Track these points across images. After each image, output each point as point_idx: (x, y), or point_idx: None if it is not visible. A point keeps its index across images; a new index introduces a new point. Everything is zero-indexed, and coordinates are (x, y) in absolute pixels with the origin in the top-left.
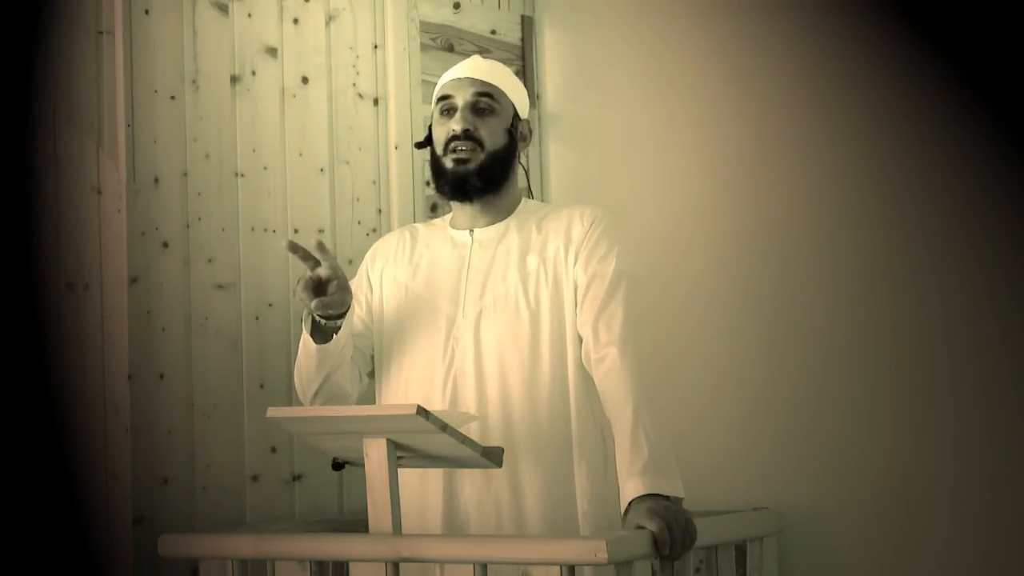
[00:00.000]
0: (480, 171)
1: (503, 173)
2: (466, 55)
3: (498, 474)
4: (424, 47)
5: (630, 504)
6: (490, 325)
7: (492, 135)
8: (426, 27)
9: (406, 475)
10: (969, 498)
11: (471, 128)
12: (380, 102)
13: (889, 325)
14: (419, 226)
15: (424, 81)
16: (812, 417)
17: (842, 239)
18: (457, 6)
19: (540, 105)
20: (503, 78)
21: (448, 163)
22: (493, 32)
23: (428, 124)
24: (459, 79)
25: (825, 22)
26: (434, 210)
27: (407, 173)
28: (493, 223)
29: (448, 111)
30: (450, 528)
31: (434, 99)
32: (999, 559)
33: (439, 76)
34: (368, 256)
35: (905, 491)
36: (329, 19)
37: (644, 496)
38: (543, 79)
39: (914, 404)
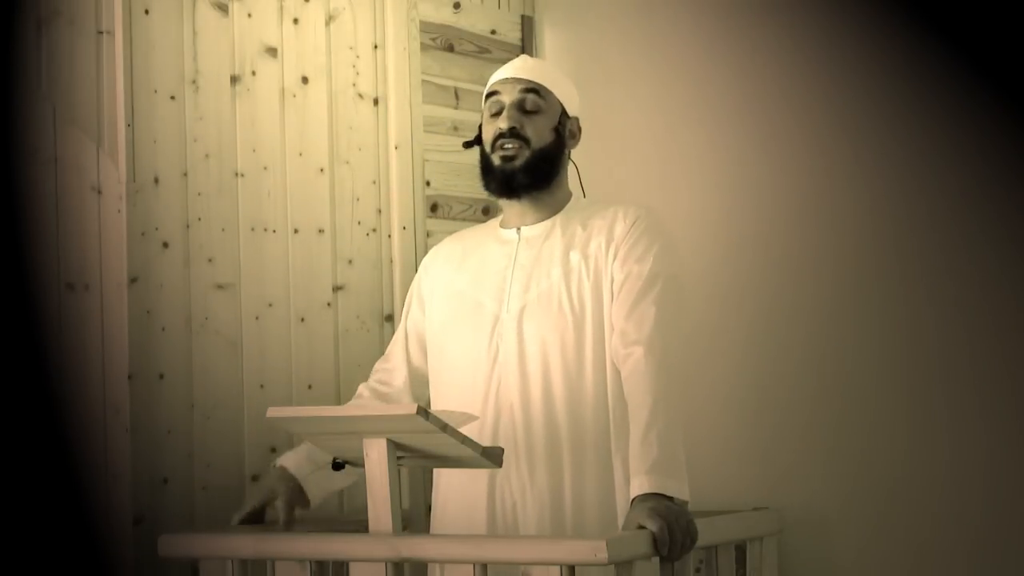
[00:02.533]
0: (526, 168)
1: (550, 171)
2: (466, 55)
3: (542, 473)
4: (424, 47)
5: (633, 501)
6: (533, 321)
7: (538, 133)
8: (426, 27)
9: (451, 474)
10: (970, 498)
11: (517, 126)
12: (380, 102)
13: (891, 326)
14: (469, 231)
15: (424, 81)
16: (812, 417)
17: (843, 239)
18: (457, 6)
19: None
20: (550, 76)
21: (496, 160)
22: (493, 32)
23: (478, 124)
24: (507, 78)
25: (827, 20)
26: (434, 210)
27: (407, 173)
28: (540, 221)
29: (496, 111)
30: (493, 526)
31: (483, 98)
32: (999, 559)
33: (439, 76)
34: (421, 270)
35: (905, 491)
36: (329, 19)
37: (647, 495)
38: None
39: (915, 404)
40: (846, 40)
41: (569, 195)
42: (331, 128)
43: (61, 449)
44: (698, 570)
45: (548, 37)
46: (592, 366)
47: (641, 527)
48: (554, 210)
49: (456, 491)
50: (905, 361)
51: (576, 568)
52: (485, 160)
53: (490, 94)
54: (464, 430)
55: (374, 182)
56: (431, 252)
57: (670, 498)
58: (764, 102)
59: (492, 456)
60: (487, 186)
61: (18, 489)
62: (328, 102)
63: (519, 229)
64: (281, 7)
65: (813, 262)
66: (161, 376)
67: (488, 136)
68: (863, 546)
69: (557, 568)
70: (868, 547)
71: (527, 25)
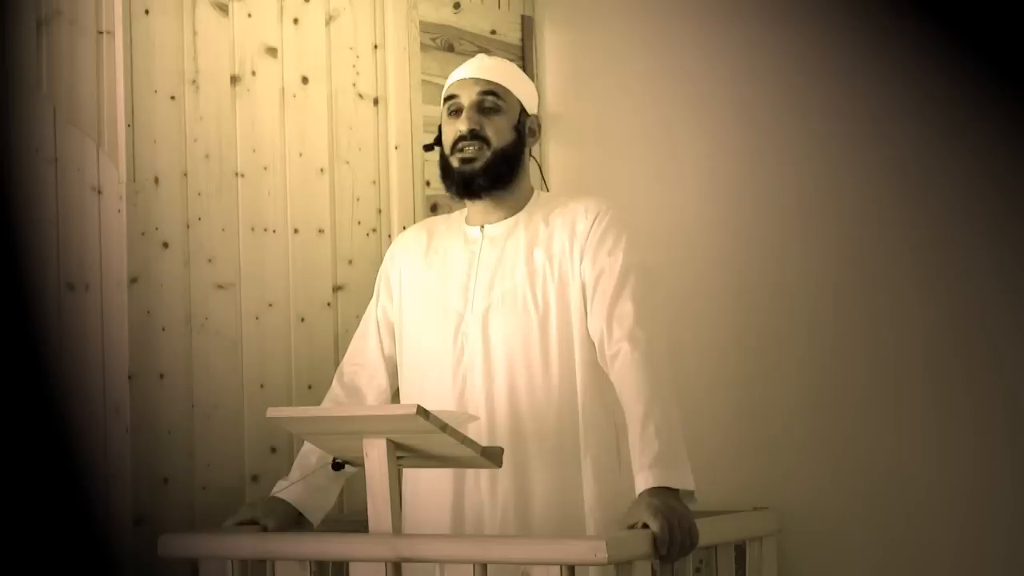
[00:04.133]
0: (486, 169)
1: (510, 170)
2: (466, 55)
3: (506, 472)
4: (424, 47)
5: (639, 496)
6: (498, 321)
7: (498, 133)
8: (426, 27)
9: (414, 475)
10: (970, 497)
11: (477, 128)
12: (380, 102)
13: (890, 325)
14: (438, 220)
15: (424, 81)
16: (812, 417)
17: (846, 239)
18: (457, 6)
19: (540, 105)
20: (508, 75)
21: (455, 163)
22: (493, 32)
23: (438, 125)
24: (464, 79)
25: (826, 20)
26: (434, 210)
27: (407, 173)
28: (504, 219)
29: (455, 111)
30: (458, 527)
31: (441, 100)
32: (999, 558)
33: (439, 76)
34: (387, 258)
35: (905, 491)
36: (329, 19)
37: (653, 489)
38: (543, 79)
39: (914, 404)
40: (846, 39)
41: (531, 191)
42: (331, 128)
43: (61, 449)
44: (698, 570)
45: (548, 37)
46: (559, 366)
47: (644, 525)
48: (516, 208)
49: (420, 493)
50: (907, 361)
51: (576, 568)
52: (444, 162)
53: (448, 96)
54: None
55: (374, 182)
56: (397, 240)
57: (675, 490)
58: (764, 101)
59: (492, 456)
60: (447, 188)
61: (18, 489)
62: (328, 102)
63: (483, 227)
64: (281, 7)
65: (814, 262)
66: (161, 376)
67: (448, 139)
68: (862, 546)
69: (557, 568)
70: (867, 547)
71: (527, 25)
